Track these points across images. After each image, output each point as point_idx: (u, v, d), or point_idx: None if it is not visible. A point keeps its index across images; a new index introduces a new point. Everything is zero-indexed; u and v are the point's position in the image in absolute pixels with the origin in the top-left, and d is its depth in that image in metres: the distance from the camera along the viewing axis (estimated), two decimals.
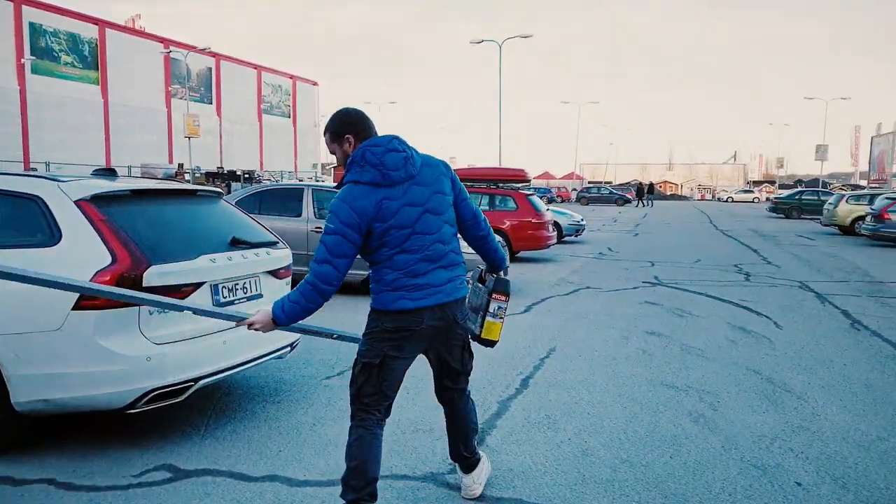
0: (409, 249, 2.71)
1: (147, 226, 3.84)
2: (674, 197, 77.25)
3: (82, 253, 3.53)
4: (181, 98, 45.84)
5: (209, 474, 3.41)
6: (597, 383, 5.04)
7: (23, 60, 36.32)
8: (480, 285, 3.14)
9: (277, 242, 4.71)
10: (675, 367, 5.50)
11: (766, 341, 6.49)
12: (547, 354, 5.90)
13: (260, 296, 4.32)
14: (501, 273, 3.11)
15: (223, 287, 4.01)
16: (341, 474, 2.79)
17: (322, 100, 67.45)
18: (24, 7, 36.46)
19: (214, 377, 3.84)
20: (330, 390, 4.80)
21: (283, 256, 4.64)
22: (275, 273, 4.52)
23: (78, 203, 3.65)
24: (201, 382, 3.75)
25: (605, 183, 72.56)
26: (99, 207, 3.69)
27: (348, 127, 2.77)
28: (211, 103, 51.37)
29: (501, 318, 3.06)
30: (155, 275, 3.55)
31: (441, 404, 3.13)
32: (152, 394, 3.53)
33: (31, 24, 37.21)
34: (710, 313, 7.94)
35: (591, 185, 65.24)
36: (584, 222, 19.29)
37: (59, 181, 3.78)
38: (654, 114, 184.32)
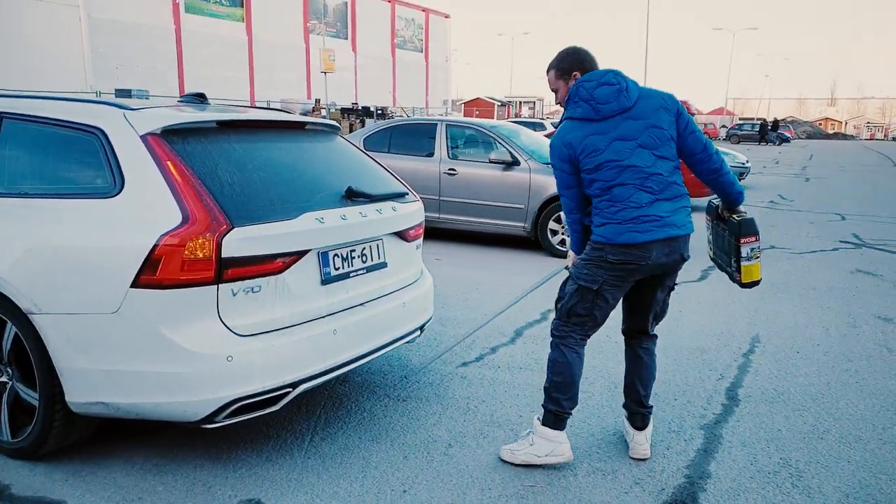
0: (625, 182, 2.66)
1: (234, 171, 2.82)
2: (837, 136, 69.00)
3: (146, 207, 2.59)
4: (318, 34, 46.02)
5: None
6: (840, 403, 3.58)
7: (177, 0, 37.47)
8: (720, 224, 2.99)
9: (406, 194, 3.61)
10: None
11: None
12: (750, 348, 4.47)
13: (384, 265, 3.26)
14: (742, 209, 2.92)
15: (335, 256, 2.98)
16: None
17: (454, 32, 65.84)
18: None
19: (319, 379, 2.84)
20: (468, 385, 3.73)
21: (412, 212, 3.53)
22: (402, 235, 3.43)
23: (145, 138, 2.70)
24: (302, 387, 2.77)
25: (758, 119, 65.92)
26: (171, 145, 2.72)
27: (576, 64, 2.79)
28: (346, 38, 51.27)
29: (758, 257, 2.87)
30: (238, 240, 2.55)
31: (627, 353, 3.05)
32: (236, 404, 2.58)
33: None
34: None
35: (743, 122, 59.29)
36: (748, 164, 16.89)
37: (126, 109, 2.84)
38: (816, 42, 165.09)
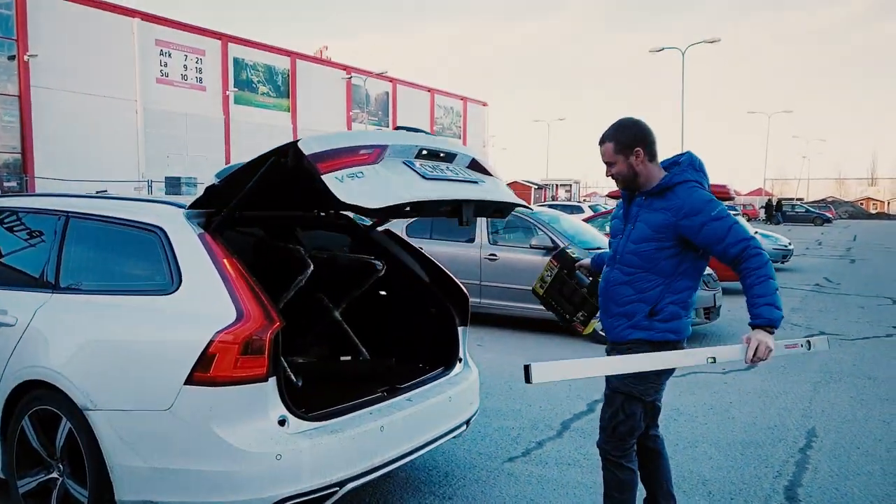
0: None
1: None
2: (880, 216, 67.86)
3: (202, 304, 2.67)
4: (361, 122, 47.83)
5: None
6: None
7: (228, 92, 39.53)
8: (573, 279, 3.15)
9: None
10: None
11: None
12: (807, 442, 4.30)
13: (476, 182, 3.05)
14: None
15: (421, 165, 2.82)
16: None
17: (491, 119, 67.58)
18: (229, 44, 39.83)
19: (366, 477, 2.82)
20: (515, 482, 3.64)
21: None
22: (479, 166, 3.20)
23: (203, 237, 2.81)
24: (349, 486, 2.75)
25: (798, 199, 65.27)
26: (226, 240, 2.84)
27: (640, 140, 2.62)
28: (388, 126, 53.15)
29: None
30: (312, 142, 2.49)
31: (644, 457, 2.85)
32: None
33: (235, 59, 40.54)
34: None
35: (783, 202, 58.77)
36: (791, 247, 16.66)
37: (184, 208, 2.97)
38: (854, 123, 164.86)
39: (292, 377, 3.29)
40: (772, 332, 2.42)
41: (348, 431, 2.76)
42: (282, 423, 2.61)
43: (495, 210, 3.28)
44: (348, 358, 3.99)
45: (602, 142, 2.69)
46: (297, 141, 2.50)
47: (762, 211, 52.50)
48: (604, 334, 2.88)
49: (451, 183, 2.90)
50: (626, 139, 2.63)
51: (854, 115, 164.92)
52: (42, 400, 2.88)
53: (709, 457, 4.03)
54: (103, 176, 25.87)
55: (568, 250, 3.25)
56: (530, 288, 3.36)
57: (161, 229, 2.89)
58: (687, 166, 2.66)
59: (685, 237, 2.55)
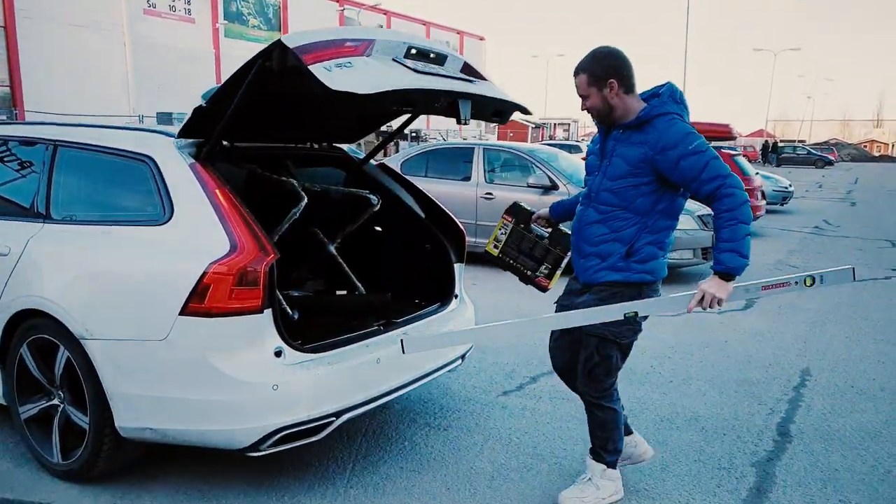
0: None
1: None
2: (884, 158, 67.42)
3: (195, 236, 2.62)
4: None
5: None
6: None
7: (217, 25, 38.42)
8: (531, 232, 3.03)
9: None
10: None
11: None
12: (801, 381, 4.33)
13: (471, 80, 2.96)
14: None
15: (409, 59, 2.72)
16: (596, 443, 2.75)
17: (488, 55, 65.95)
18: None
19: (363, 408, 2.83)
20: (509, 415, 3.67)
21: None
22: (469, 69, 3.08)
23: (194, 167, 2.73)
24: (346, 416, 2.75)
25: (800, 142, 64.64)
26: (219, 170, 2.76)
27: (613, 71, 2.47)
28: None
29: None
30: (295, 37, 2.41)
31: None
32: (280, 433, 2.57)
33: None
34: None
35: (784, 144, 58.19)
36: (791, 188, 16.53)
37: (175, 138, 2.87)
38: (861, 63, 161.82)
39: (288, 310, 3.26)
40: (729, 281, 2.31)
41: (345, 363, 2.76)
42: (278, 354, 2.60)
43: (494, 113, 3.18)
44: (344, 292, 3.96)
45: (576, 73, 2.54)
46: (281, 38, 2.39)
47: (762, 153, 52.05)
48: None
49: (445, 79, 2.79)
50: (600, 71, 2.48)
51: (863, 55, 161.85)
52: (39, 329, 2.88)
53: (702, 393, 4.07)
54: (93, 110, 25.35)
55: (521, 203, 3.07)
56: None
57: (151, 158, 2.83)
58: (667, 98, 2.51)
59: (662, 173, 2.44)
